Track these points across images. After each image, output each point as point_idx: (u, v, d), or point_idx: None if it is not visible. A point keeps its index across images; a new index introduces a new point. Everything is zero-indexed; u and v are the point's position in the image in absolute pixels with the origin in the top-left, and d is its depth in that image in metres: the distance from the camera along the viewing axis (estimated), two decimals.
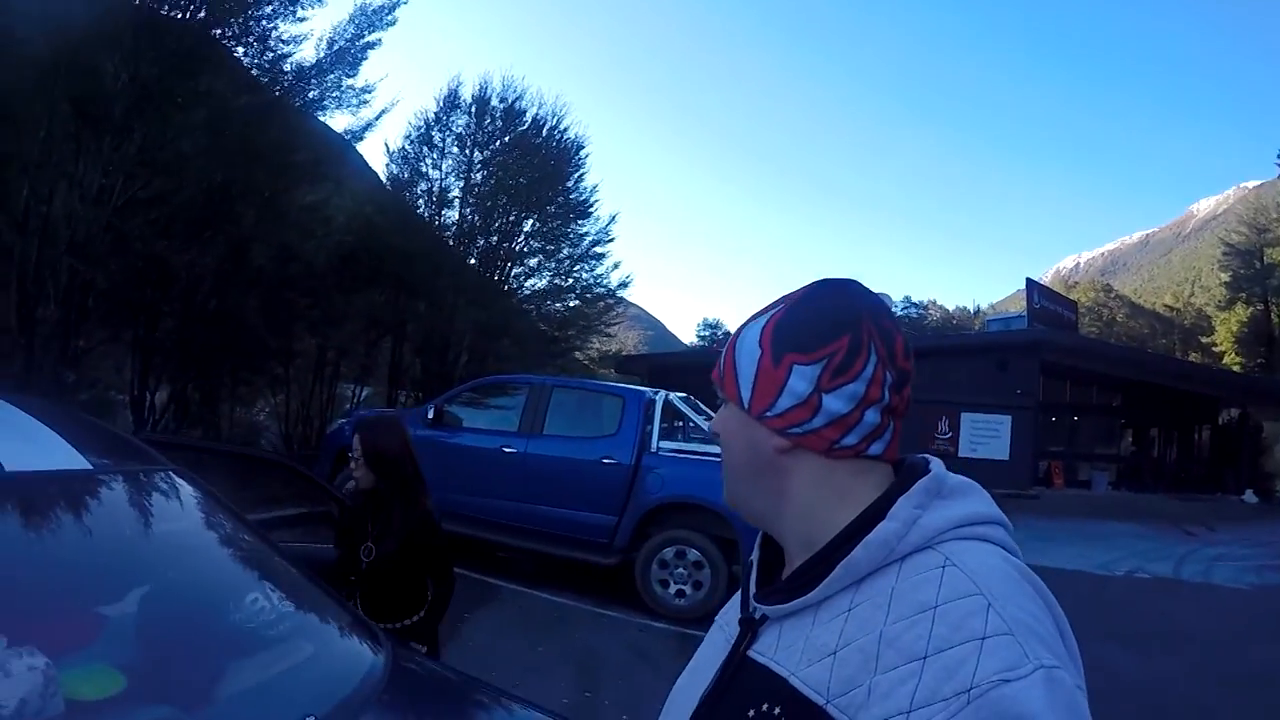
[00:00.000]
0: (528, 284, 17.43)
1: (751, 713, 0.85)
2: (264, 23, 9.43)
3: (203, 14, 8.88)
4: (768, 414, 0.91)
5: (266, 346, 11.79)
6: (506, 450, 8.13)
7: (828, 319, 0.90)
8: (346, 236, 13.17)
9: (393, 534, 3.11)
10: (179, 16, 8.79)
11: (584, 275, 17.44)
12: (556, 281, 17.40)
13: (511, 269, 16.95)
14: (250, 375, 12.96)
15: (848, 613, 0.83)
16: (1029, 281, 24.51)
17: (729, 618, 1.02)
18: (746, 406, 0.93)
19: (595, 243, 17.37)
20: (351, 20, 10.01)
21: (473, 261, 16.17)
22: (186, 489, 2.38)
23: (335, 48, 9.83)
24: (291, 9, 9.46)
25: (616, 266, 17.93)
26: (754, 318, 0.97)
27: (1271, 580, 12.21)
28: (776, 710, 0.83)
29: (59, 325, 8.58)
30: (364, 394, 16.36)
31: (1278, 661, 7.47)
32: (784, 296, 0.97)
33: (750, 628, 0.94)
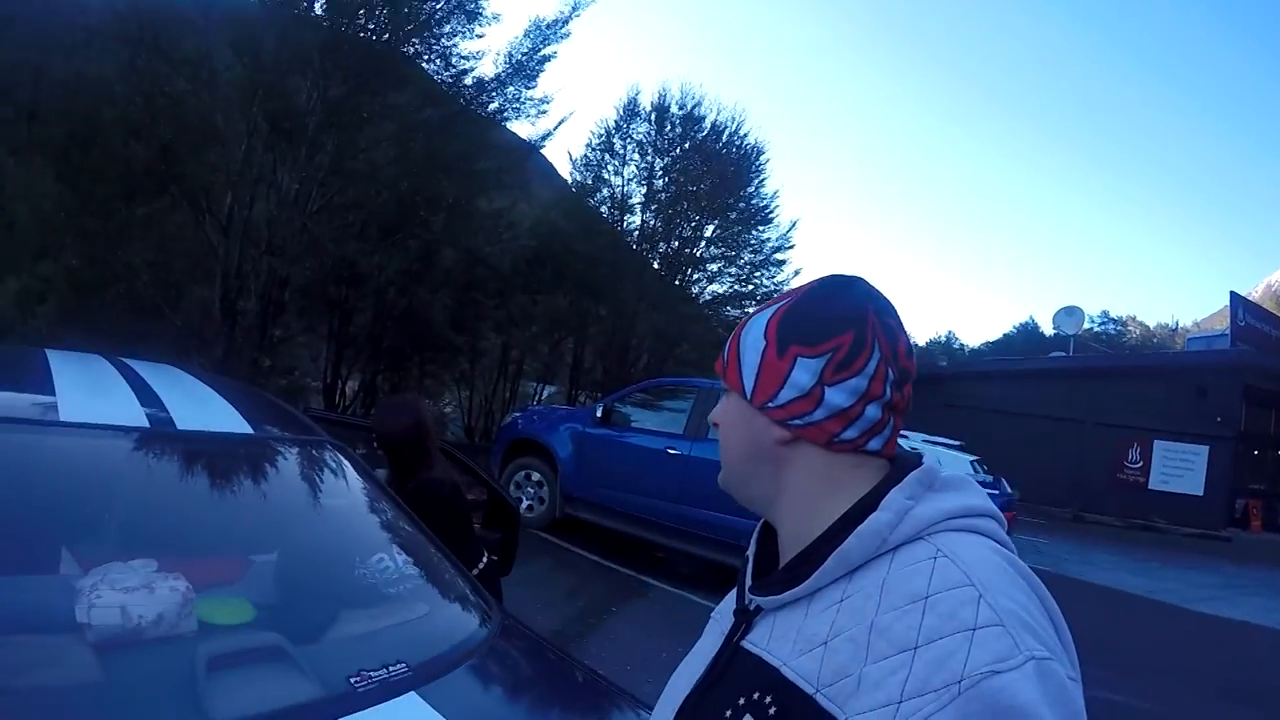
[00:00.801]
0: (708, 289, 17.48)
1: (742, 700, 0.87)
2: (444, 40, 9.93)
3: (387, 35, 9.44)
4: (770, 404, 0.92)
5: (453, 343, 12.42)
6: (670, 452, 8.14)
7: (833, 314, 0.91)
8: (531, 241, 13.66)
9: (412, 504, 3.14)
10: (364, 36, 9.40)
11: (764, 281, 17.22)
12: (736, 287, 17.31)
13: (692, 274, 17.09)
14: (437, 369, 13.72)
15: (840, 603, 0.84)
16: (1234, 296, 22.34)
17: (725, 609, 1.03)
18: (749, 396, 0.95)
19: (776, 249, 17.18)
20: (527, 35, 10.38)
21: (654, 266, 16.34)
22: (341, 462, 2.65)
23: (513, 61, 10.24)
24: (470, 27, 9.94)
25: (798, 273, 17.74)
26: (761, 310, 0.98)
27: None
28: (767, 699, 0.85)
29: (258, 316, 9.30)
30: (546, 392, 16.93)
31: None
32: (790, 290, 0.99)
33: (745, 618, 0.96)
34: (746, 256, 17.18)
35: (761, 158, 16.92)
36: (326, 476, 2.57)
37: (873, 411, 0.89)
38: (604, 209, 16.30)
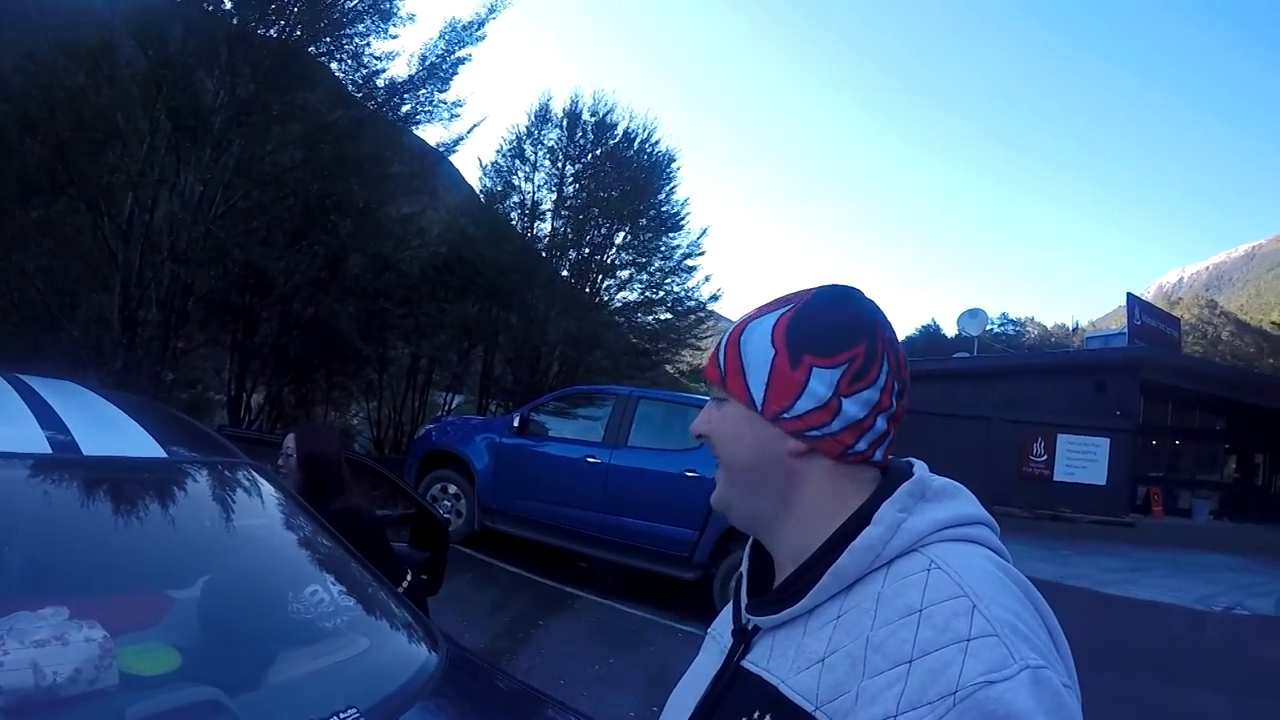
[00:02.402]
0: (619, 296, 17.38)
1: None
2: (357, 40, 9.69)
3: (298, 32, 9.16)
4: (785, 415, 0.91)
5: (361, 353, 12.11)
6: (590, 460, 8.07)
7: (847, 324, 0.91)
8: (440, 247, 13.47)
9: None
10: (274, 34, 9.09)
11: (675, 288, 17.27)
12: (647, 294, 17.28)
13: (603, 281, 16.95)
14: (344, 380, 13.37)
15: (837, 619, 0.84)
16: (1130, 297, 23.25)
17: (722, 629, 1.02)
18: (760, 407, 0.92)
19: (686, 255, 17.18)
20: (442, 36, 10.16)
21: (565, 273, 16.22)
22: (261, 483, 2.47)
23: (427, 63, 10.01)
24: (383, 26, 9.71)
25: (707, 279, 17.88)
26: (758, 315, 0.96)
27: None
28: (768, 718, 0.84)
29: (159, 327, 8.90)
30: (455, 402, 16.66)
31: None
32: (786, 296, 0.97)
33: (743, 638, 0.95)
34: (657, 263, 17.15)
35: (672, 165, 16.92)
36: (249, 501, 2.39)
37: (881, 423, 0.90)
38: (514, 215, 16.12)
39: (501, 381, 15.88)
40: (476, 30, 10.19)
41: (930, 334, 52.40)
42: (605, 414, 8.38)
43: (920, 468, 0.93)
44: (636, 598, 7.69)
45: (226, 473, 2.42)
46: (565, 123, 16.04)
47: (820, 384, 0.89)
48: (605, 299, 17.09)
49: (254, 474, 2.49)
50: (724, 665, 0.95)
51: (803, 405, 0.90)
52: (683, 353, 18.79)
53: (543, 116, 16.08)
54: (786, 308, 0.94)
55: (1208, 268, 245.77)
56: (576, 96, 16.23)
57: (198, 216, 8.61)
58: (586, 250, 16.35)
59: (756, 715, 0.85)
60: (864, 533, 0.85)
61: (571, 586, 7.81)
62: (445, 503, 8.85)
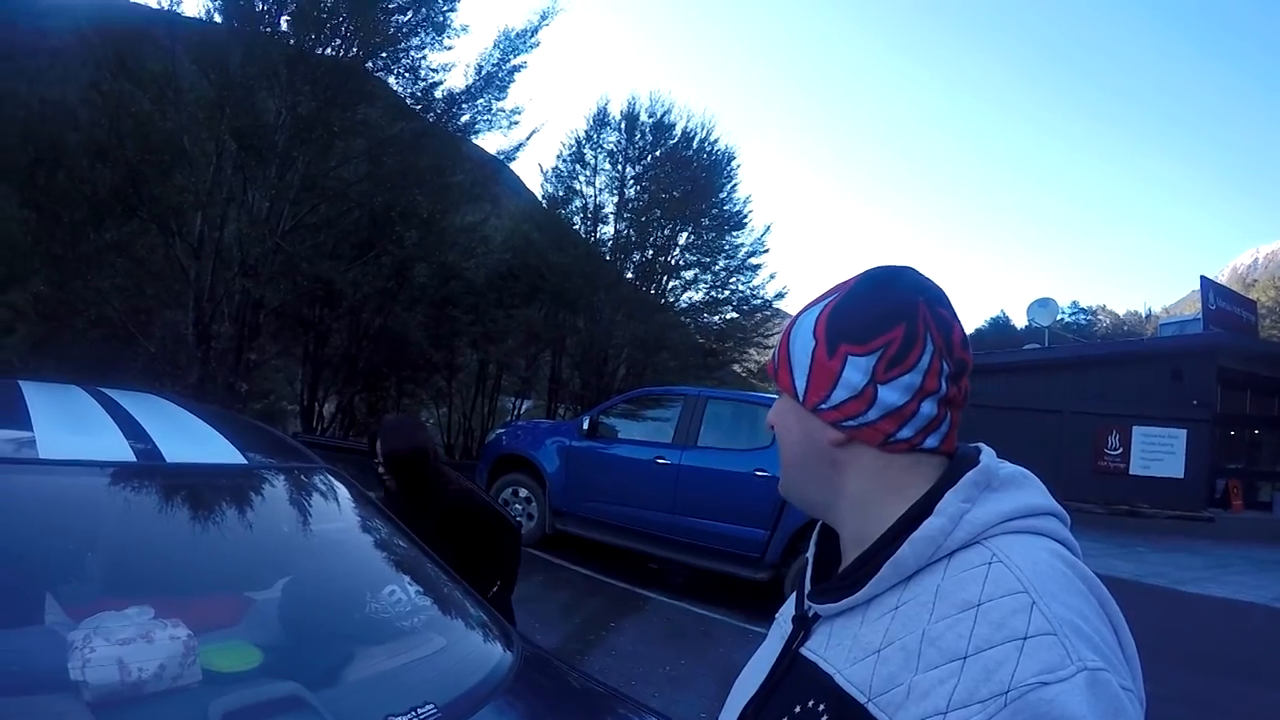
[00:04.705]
0: (684, 297, 17.37)
1: (798, 708, 0.86)
2: (413, 53, 9.85)
3: (354, 49, 9.34)
4: (822, 406, 0.90)
5: (430, 360, 12.30)
6: (660, 462, 8.02)
7: (882, 308, 0.88)
8: (505, 254, 13.63)
9: (422, 524, 3.02)
10: (331, 53, 9.29)
11: (740, 287, 17.16)
12: (713, 294, 17.23)
13: (668, 282, 16.95)
14: (414, 387, 13.59)
15: (895, 610, 0.82)
16: (1204, 280, 22.25)
17: (787, 614, 1.01)
18: (801, 398, 0.92)
19: (750, 254, 17.08)
20: (496, 45, 10.28)
21: (629, 275, 16.24)
22: (338, 487, 2.52)
23: (483, 73, 10.13)
24: (438, 39, 9.86)
25: (773, 277, 17.80)
26: (808, 307, 0.95)
27: None
28: (821, 707, 0.83)
29: (232, 340, 9.15)
30: (524, 406, 16.81)
31: None
32: (835, 286, 0.95)
33: (803, 625, 0.94)
34: (721, 262, 17.09)
35: (733, 163, 16.84)
36: (326, 505, 2.44)
37: (928, 408, 0.87)
38: (576, 220, 16.19)
39: (569, 385, 15.95)
40: (530, 38, 10.32)
41: (1000, 326, 51.15)
42: (674, 415, 8.33)
43: (988, 454, 0.90)
44: (707, 599, 7.63)
45: (304, 478, 2.47)
46: (623, 125, 16.06)
47: (855, 372, 0.87)
48: (670, 300, 17.09)
49: (330, 478, 2.53)
50: (783, 651, 0.95)
51: (838, 395, 0.88)
52: (749, 351, 18.70)
53: (601, 120, 16.12)
54: (831, 297, 0.93)
55: None
56: (633, 99, 16.29)
57: (266, 232, 8.83)
58: (650, 252, 16.36)
59: (811, 703, 0.85)
60: (925, 524, 0.83)
61: (642, 588, 7.78)
62: (516, 506, 8.90)
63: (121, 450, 1.96)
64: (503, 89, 10.29)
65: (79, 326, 9.02)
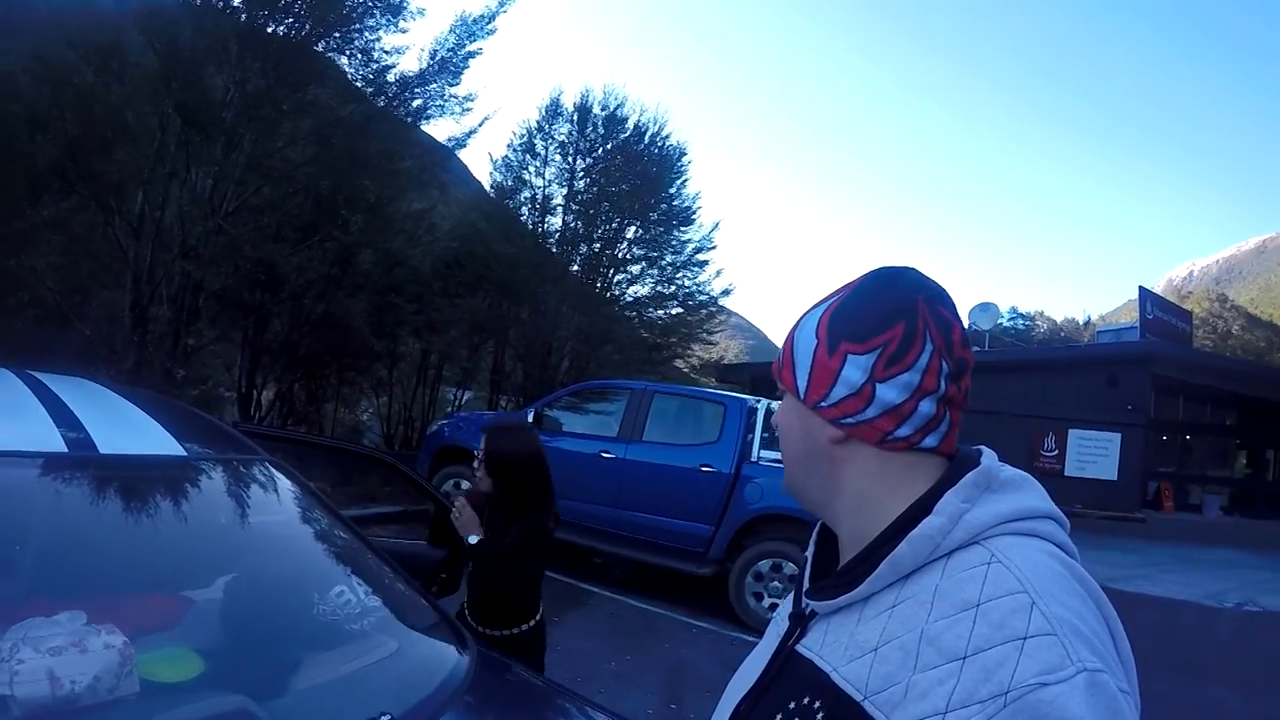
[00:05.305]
0: (630, 291, 17.34)
1: (792, 705, 0.86)
2: (366, 34, 9.64)
3: (307, 27, 9.13)
4: (822, 404, 0.91)
5: (371, 349, 12.07)
6: (604, 455, 8.01)
7: (882, 307, 0.89)
8: (451, 243, 13.41)
9: (507, 539, 3.00)
10: (283, 31, 9.07)
11: (686, 282, 17.20)
12: (659, 289, 17.25)
13: (614, 276, 16.92)
14: (355, 376, 13.34)
15: (892, 609, 0.82)
16: (1142, 290, 23.04)
17: (785, 611, 1.01)
18: (802, 396, 0.93)
19: (698, 250, 17.13)
20: (452, 30, 10.14)
21: (575, 268, 16.19)
22: (281, 480, 2.40)
23: (437, 57, 9.99)
24: (393, 20, 9.65)
25: (719, 274, 17.78)
26: (813, 307, 0.96)
27: None
28: (816, 704, 0.83)
29: (170, 324, 8.89)
30: (465, 397, 16.62)
31: None
32: (843, 285, 0.96)
33: (800, 622, 0.94)
34: (669, 257, 17.11)
35: (683, 158, 16.88)
36: (269, 499, 2.33)
37: (926, 407, 0.87)
38: (524, 211, 16.07)
39: (512, 377, 15.83)
40: (487, 24, 10.19)
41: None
42: (620, 409, 8.33)
43: (989, 457, 0.90)
44: (650, 593, 7.64)
45: (246, 470, 2.35)
46: (576, 117, 15.99)
47: (854, 370, 0.88)
48: (616, 294, 17.03)
49: (274, 470, 2.41)
50: (779, 648, 0.95)
51: (837, 393, 0.89)
52: (694, 347, 18.74)
53: (553, 111, 16.03)
54: (835, 297, 0.94)
55: (1218, 261, 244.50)
56: (587, 91, 16.16)
57: (208, 212, 8.59)
58: (597, 245, 16.32)
59: (806, 700, 0.84)
60: (923, 522, 0.83)
61: (585, 582, 7.75)
62: (459, 499, 8.81)
63: (52, 440, 1.84)
64: (457, 75, 10.15)
65: (11, 306, 8.70)
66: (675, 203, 16.88)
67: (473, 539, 3.06)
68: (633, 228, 16.61)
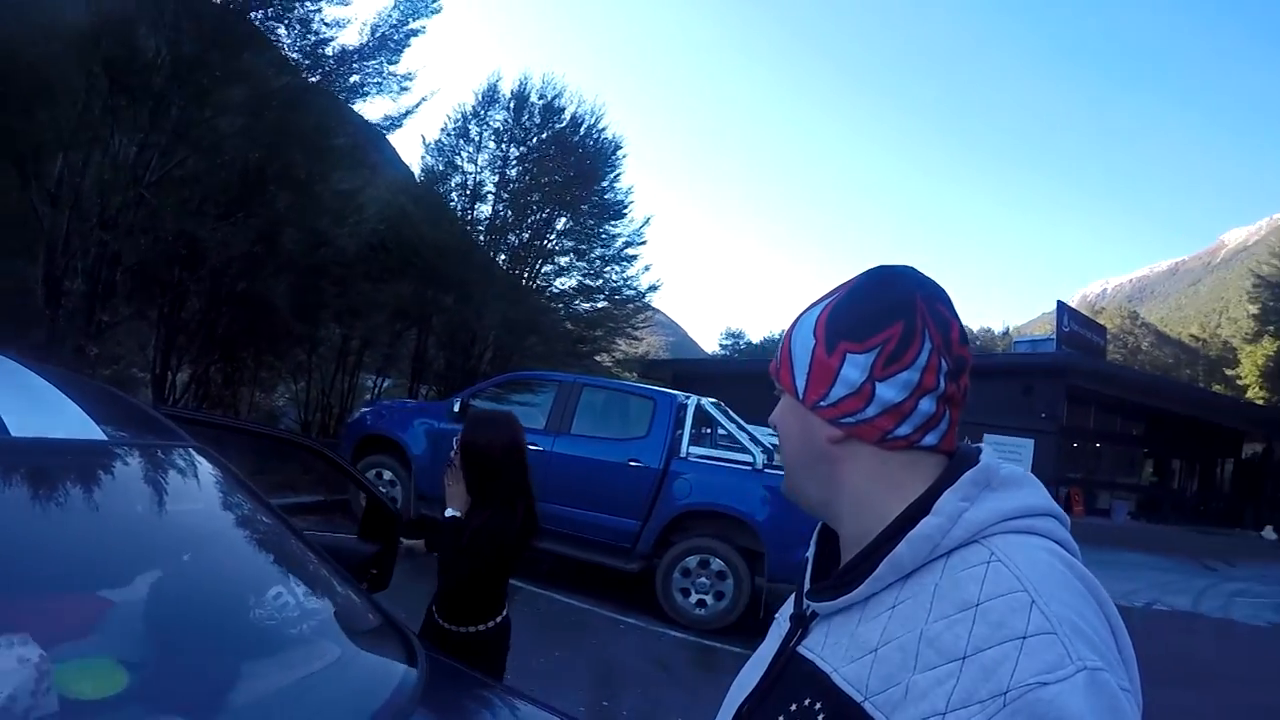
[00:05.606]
0: (557, 282, 17.33)
1: (794, 707, 0.85)
2: (307, 4, 9.34)
3: None
4: (821, 403, 0.90)
5: (291, 332, 11.69)
6: (531, 448, 7.93)
7: (881, 306, 0.89)
8: (379, 225, 13.05)
9: (466, 531, 2.93)
10: None
11: (614, 277, 17.30)
12: (586, 281, 17.27)
13: (541, 267, 16.84)
14: (273, 360, 12.88)
15: (892, 609, 0.82)
16: (1059, 304, 24.03)
17: (786, 612, 1.01)
18: (801, 396, 0.93)
19: (627, 244, 17.26)
20: (396, 5, 9.93)
21: (502, 258, 16.05)
22: (209, 468, 2.19)
23: (379, 33, 9.75)
24: None
25: (647, 269, 17.73)
26: (810, 307, 0.96)
27: None
28: (817, 705, 0.83)
29: (85, 299, 8.51)
30: (385, 385, 16.26)
31: None
32: (841, 284, 0.95)
33: (801, 623, 0.94)
34: (598, 251, 17.15)
35: (618, 152, 16.92)
36: (199, 490, 2.11)
37: (926, 405, 0.87)
38: (454, 197, 15.86)
39: (434, 365, 15.59)
40: (432, 2, 9.92)
41: None
42: (547, 401, 8.23)
43: (988, 454, 0.89)
44: (576, 589, 7.60)
45: (172, 457, 2.13)
46: (512, 104, 15.85)
47: (853, 369, 0.88)
48: (542, 285, 16.97)
49: (202, 458, 2.20)
50: (780, 649, 0.94)
51: (837, 392, 0.89)
52: (618, 341, 18.71)
53: (490, 97, 15.86)
54: (832, 297, 0.94)
55: (1131, 280, 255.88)
56: (525, 78, 16.03)
57: (131, 181, 8.22)
58: (526, 235, 16.25)
59: (807, 702, 0.84)
60: (922, 522, 0.82)
61: (512, 577, 7.60)
62: (380, 490, 8.60)
63: None
64: (397, 52, 9.94)
65: None
66: (607, 196, 16.97)
67: (451, 512, 3.02)
68: (563, 219, 16.61)
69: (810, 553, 1.02)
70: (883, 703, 0.76)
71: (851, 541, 0.92)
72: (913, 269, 0.93)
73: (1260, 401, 41.65)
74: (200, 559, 2.02)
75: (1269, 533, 21.93)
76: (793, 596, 1.01)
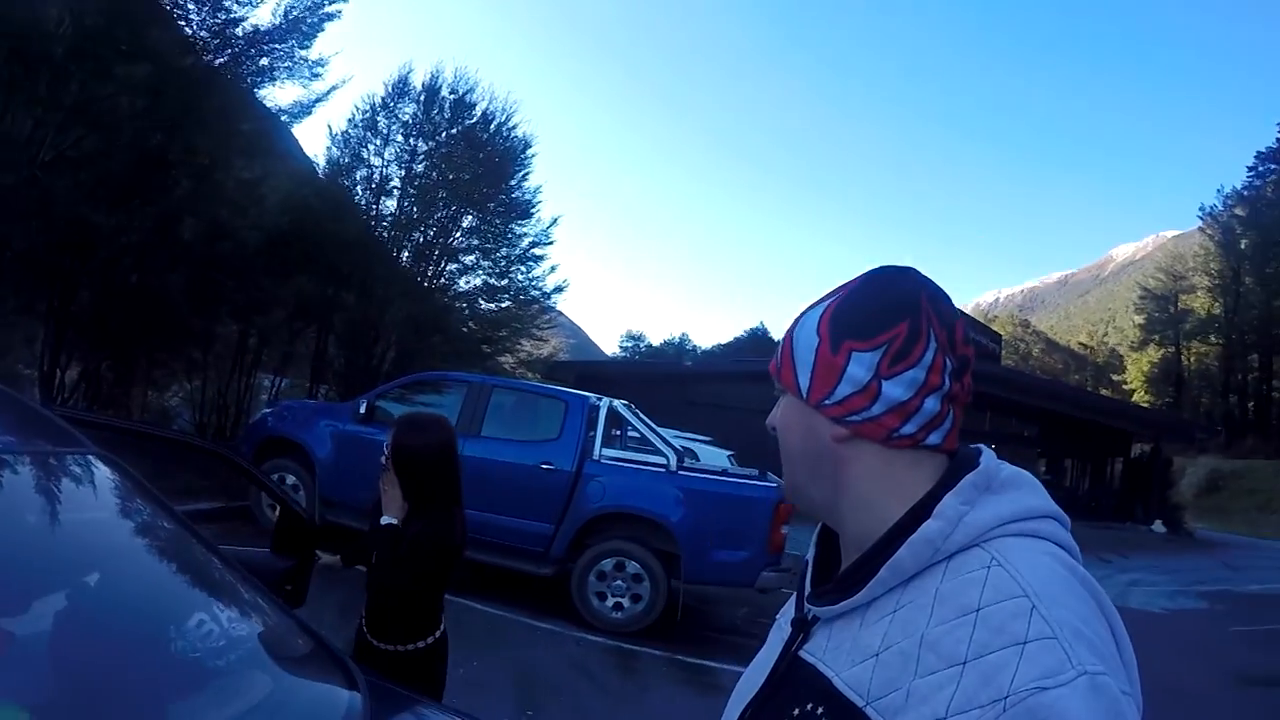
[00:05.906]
0: (461, 281, 17.08)
1: (796, 711, 0.85)
2: None
3: None
4: (826, 402, 0.90)
5: (187, 328, 11.17)
6: None
7: (886, 305, 0.89)
8: (281, 218, 12.58)
9: (404, 539, 2.80)
10: None
11: (520, 277, 17.08)
12: (491, 281, 17.02)
13: (445, 265, 16.57)
14: (167, 358, 12.26)
15: (893, 613, 0.82)
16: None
17: (787, 616, 1.00)
18: (805, 395, 0.92)
19: (534, 244, 17.03)
20: None
21: (406, 255, 15.79)
22: (114, 477, 1.96)
23: (291, 15, 9.41)
24: None
25: (554, 269, 17.56)
26: (811, 307, 0.96)
27: (1183, 605, 13.52)
28: (820, 710, 0.82)
29: None
30: (283, 385, 15.73)
31: (1188, 675, 8.08)
32: (842, 285, 0.95)
33: (803, 628, 0.93)
34: (504, 250, 16.90)
35: (528, 151, 16.71)
36: (106, 506, 1.90)
37: (931, 404, 0.87)
38: (359, 191, 15.47)
39: (333, 365, 15.21)
40: None
41: (758, 336, 53.77)
42: (457, 402, 8.08)
43: (988, 456, 0.90)
44: (491, 595, 7.46)
45: (73, 465, 1.88)
46: (423, 97, 15.53)
47: (859, 368, 0.88)
48: (446, 283, 16.72)
49: (108, 467, 1.95)
50: (782, 654, 0.94)
51: (842, 390, 0.88)
52: (522, 343, 18.55)
53: (400, 89, 15.47)
54: (835, 296, 0.94)
55: (1022, 291, 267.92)
56: (437, 71, 15.75)
57: (23, 161, 7.76)
58: (432, 232, 15.97)
59: (809, 707, 0.84)
60: (923, 526, 0.82)
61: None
62: (294, 499, 8.28)
63: None
64: (310, 36, 9.65)
65: None
66: (515, 195, 16.68)
67: (387, 519, 2.88)
68: (470, 217, 16.33)
69: (810, 555, 1.01)
70: (884, 707, 0.76)
71: (853, 543, 0.91)
72: (914, 269, 0.93)
73: (1146, 405, 44.48)
74: (110, 583, 1.79)
75: (1158, 526, 23.34)
76: (792, 600, 1.00)
